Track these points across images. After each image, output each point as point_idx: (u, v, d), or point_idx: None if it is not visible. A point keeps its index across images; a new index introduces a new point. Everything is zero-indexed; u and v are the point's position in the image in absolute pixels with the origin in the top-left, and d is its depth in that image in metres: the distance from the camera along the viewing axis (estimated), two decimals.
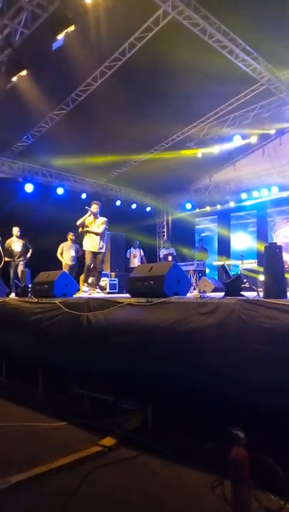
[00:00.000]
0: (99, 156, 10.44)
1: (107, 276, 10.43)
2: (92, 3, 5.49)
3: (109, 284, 9.99)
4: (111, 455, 2.84)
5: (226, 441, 2.09)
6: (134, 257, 11.09)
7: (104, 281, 9.96)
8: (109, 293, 9.42)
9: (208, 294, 4.11)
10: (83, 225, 7.18)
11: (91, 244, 7.22)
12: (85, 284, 7.22)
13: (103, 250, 7.39)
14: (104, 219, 7.31)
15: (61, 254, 9.74)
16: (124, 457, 2.79)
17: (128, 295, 4.23)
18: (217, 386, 2.75)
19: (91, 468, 2.60)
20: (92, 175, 12.40)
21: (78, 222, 7.20)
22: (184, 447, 2.81)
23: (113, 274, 10.92)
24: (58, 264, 9.52)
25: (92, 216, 7.21)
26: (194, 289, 8.42)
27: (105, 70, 8.07)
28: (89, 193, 12.40)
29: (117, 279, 10.30)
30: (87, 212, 7.17)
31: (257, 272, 7.60)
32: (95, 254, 7.22)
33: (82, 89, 8.54)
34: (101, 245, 7.27)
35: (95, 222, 7.23)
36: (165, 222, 15.62)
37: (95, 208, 7.22)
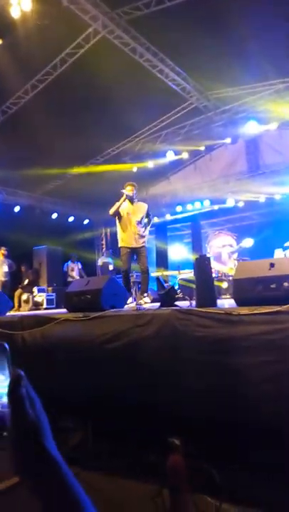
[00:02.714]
0: (33, 168, 10.21)
1: (44, 291, 10.16)
2: (20, 19, 5.45)
3: (46, 299, 9.74)
4: None
5: (166, 451, 2.15)
6: (72, 270, 10.93)
7: (40, 297, 9.69)
8: (46, 308, 9.19)
9: (144, 306, 4.19)
10: (118, 213, 5.80)
11: (129, 237, 5.71)
12: (143, 296, 5.71)
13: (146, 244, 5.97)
14: (145, 205, 6.03)
15: None
16: None
17: (65, 310, 4.19)
18: (156, 398, 2.81)
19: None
20: (26, 187, 12.08)
21: (111, 212, 5.83)
22: (125, 462, 2.82)
23: (50, 288, 10.65)
24: None
25: (127, 201, 5.83)
26: (134, 300, 8.48)
27: (36, 84, 7.98)
28: (23, 206, 12.06)
29: (54, 294, 10.06)
30: (122, 196, 5.81)
31: (193, 282, 7.86)
32: (135, 250, 5.81)
33: (12, 101, 8.37)
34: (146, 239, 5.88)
35: (133, 210, 5.82)
36: (103, 234, 15.60)
37: (129, 190, 5.85)
